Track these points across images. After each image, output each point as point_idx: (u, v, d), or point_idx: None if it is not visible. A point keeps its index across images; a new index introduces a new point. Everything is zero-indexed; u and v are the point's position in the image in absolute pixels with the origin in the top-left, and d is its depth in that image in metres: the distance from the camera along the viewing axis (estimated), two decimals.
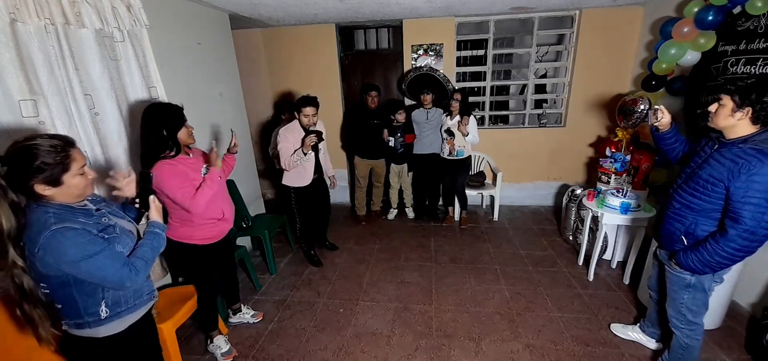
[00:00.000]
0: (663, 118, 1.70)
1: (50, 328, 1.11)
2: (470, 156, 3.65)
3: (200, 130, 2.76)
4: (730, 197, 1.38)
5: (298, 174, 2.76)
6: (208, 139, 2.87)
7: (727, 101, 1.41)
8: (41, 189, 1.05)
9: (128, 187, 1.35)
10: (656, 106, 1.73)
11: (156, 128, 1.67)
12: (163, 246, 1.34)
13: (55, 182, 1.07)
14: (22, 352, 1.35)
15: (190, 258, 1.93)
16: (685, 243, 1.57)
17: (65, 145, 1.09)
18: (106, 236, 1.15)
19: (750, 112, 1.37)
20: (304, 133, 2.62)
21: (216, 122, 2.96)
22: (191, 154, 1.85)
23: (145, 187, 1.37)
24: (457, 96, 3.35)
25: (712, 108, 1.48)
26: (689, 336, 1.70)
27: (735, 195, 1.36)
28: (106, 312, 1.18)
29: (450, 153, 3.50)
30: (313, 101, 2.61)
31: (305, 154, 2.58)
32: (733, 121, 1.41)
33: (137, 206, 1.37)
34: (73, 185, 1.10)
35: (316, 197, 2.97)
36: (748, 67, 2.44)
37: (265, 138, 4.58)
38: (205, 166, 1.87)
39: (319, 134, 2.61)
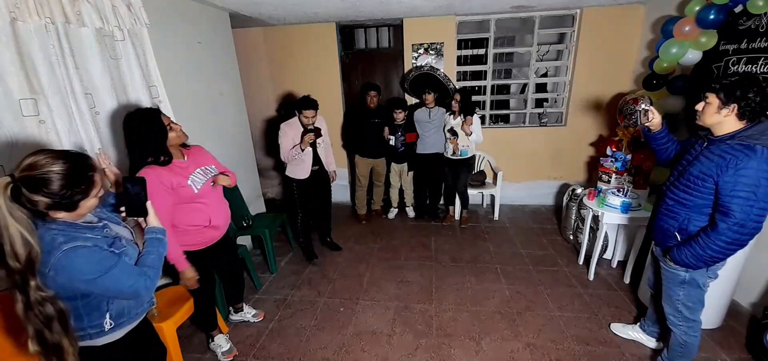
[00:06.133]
0: (654, 119, 1.72)
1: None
2: (474, 156, 3.64)
3: (201, 129, 2.78)
4: (719, 191, 1.41)
5: (297, 166, 2.86)
6: (209, 139, 2.86)
7: (713, 99, 1.45)
8: (54, 214, 1.00)
9: (109, 171, 1.32)
10: (647, 107, 1.74)
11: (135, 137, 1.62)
12: (166, 251, 1.30)
13: (72, 207, 1.02)
14: None
15: None
16: (679, 239, 1.59)
17: (89, 168, 1.04)
18: (117, 251, 1.12)
19: (735, 109, 1.40)
20: (302, 130, 2.74)
21: (216, 121, 2.95)
22: (186, 156, 1.78)
23: (129, 194, 1.24)
24: (457, 96, 3.35)
25: (699, 107, 1.52)
26: (687, 333, 1.71)
27: (724, 189, 1.38)
28: (110, 324, 1.17)
29: (454, 153, 3.49)
30: (313, 104, 2.69)
31: (303, 149, 2.70)
32: (719, 118, 1.45)
33: (123, 214, 1.26)
34: (87, 207, 1.06)
35: (317, 189, 3.05)
36: (750, 66, 2.44)
37: (266, 137, 4.59)
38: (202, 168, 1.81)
39: (317, 131, 2.73)
